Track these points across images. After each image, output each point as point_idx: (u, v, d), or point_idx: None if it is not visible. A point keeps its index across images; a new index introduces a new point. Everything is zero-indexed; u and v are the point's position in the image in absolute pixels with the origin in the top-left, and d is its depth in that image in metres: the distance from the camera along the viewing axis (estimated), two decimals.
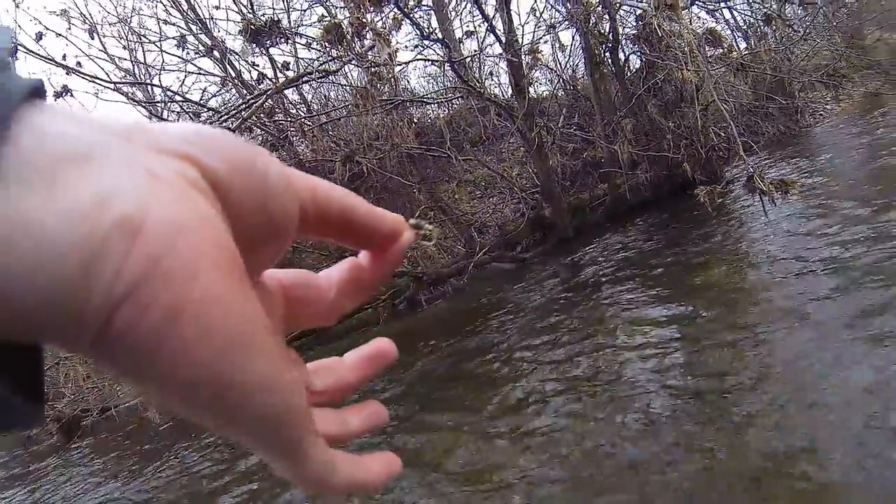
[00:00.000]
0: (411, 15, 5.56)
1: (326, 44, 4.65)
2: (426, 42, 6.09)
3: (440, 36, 6.51)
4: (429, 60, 6.66)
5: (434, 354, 5.98)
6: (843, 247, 4.81)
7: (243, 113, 5.82)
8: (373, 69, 5.46)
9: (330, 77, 6.07)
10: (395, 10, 5.52)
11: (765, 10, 7.05)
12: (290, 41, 5.58)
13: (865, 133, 10.63)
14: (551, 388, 4.30)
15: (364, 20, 3.94)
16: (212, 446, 5.74)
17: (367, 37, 4.17)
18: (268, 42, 5.22)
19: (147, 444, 6.81)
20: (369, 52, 4.47)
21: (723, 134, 8.10)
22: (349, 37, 4.31)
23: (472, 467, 3.66)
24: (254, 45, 5.32)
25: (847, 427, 2.74)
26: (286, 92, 8.31)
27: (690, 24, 7.37)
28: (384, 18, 5.69)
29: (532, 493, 3.17)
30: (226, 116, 6.55)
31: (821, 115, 12.29)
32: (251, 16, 6.53)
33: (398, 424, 4.62)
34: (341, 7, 6.40)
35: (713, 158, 8.17)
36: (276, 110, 7.42)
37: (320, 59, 5.55)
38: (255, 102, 5.80)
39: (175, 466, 5.66)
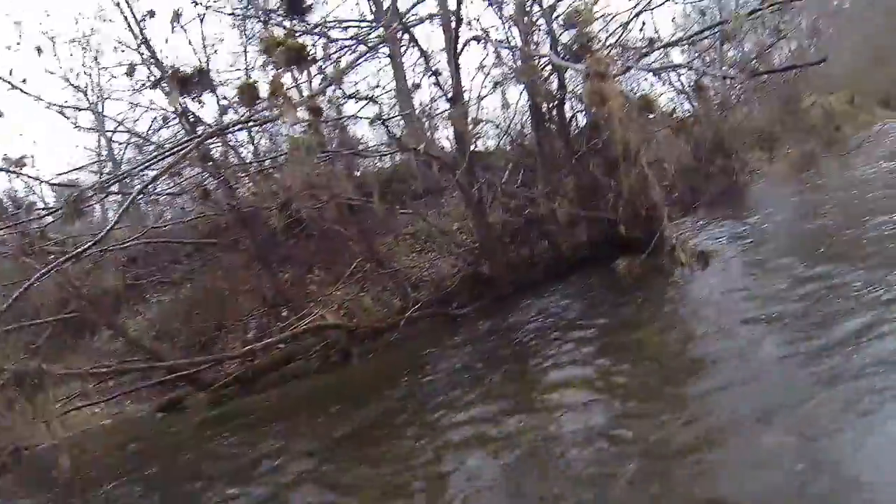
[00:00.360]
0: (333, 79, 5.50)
1: (241, 104, 4.55)
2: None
3: (374, 93, 6.49)
4: (358, 118, 6.64)
5: (363, 409, 5.79)
6: (774, 304, 4.95)
7: (169, 159, 5.61)
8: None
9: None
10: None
11: (697, 77, 7.29)
12: (215, 92, 5.46)
13: (797, 193, 11.14)
14: (477, 445, 4.21)
15: (279, 83, 3.85)
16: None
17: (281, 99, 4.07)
18: (194, 91, 5.08)
19: (54, 491, 6.28)
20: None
21: (662, 192, 8.29)
22: (268, 96, 4.20)
23: None
24: (181, 93, 5.17)
25: (770, 482, 2.76)
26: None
27: (626, 89, 7.59)
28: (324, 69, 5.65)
29: None
30: (164, 154, 6.33)
31: (758, 174, 12.80)
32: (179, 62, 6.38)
33: (323, 478, 4.47)
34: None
35: (652, 218, 8.30)
36: (210, 154, 7.20)
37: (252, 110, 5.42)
38: (183, 149, 5.61)
39: None
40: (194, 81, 4.90)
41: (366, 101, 5.74)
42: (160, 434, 7.64)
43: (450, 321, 7.78)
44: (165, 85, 9.29)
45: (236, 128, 5.40)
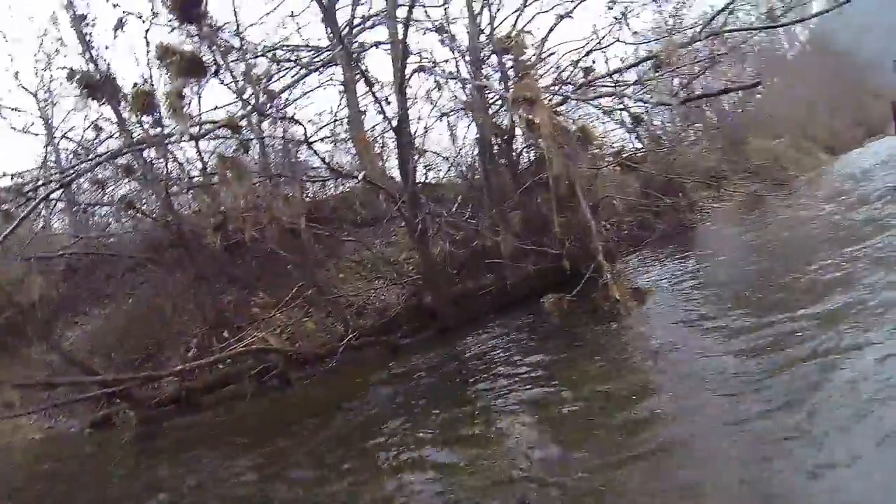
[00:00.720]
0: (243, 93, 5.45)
1: (136, 113, 4.48)
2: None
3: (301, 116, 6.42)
4: (280, 138, 6.60)
5: (295, 437, 5.68)
6: (718, 346, 4.96)
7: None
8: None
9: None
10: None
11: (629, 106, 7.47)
12: (121, 102, 5.37)
13: (743, 232, 11.44)
14: (407, 477, 4.17)
15: (175, 93, 3.78)
16: None
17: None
18: (100, 96, 4.96)
19: None
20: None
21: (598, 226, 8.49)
22: (168, 106, 4.12)
23: None
24: (88, 98, 5.05)
25: None
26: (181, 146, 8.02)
27: (564, 119, 7.75)
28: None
29: None
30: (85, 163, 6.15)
31: (706, 212, 13.21)
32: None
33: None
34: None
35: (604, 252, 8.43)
36: (134, 167, 7.01)
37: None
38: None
39: None
40: (100, 86, 4.78)
41: (295, 123, 5.69)
42: (89, 451, 7.42)
43: (392, 350, 7.73)
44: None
45: (166, 141, 5.30)
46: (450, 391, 5.98)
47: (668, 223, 11.53)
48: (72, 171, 5.42)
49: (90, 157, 5.76)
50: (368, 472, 4.43)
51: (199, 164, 9.52)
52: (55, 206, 11.57)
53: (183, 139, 4.14)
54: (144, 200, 8.31)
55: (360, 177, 6.56)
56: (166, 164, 7.62)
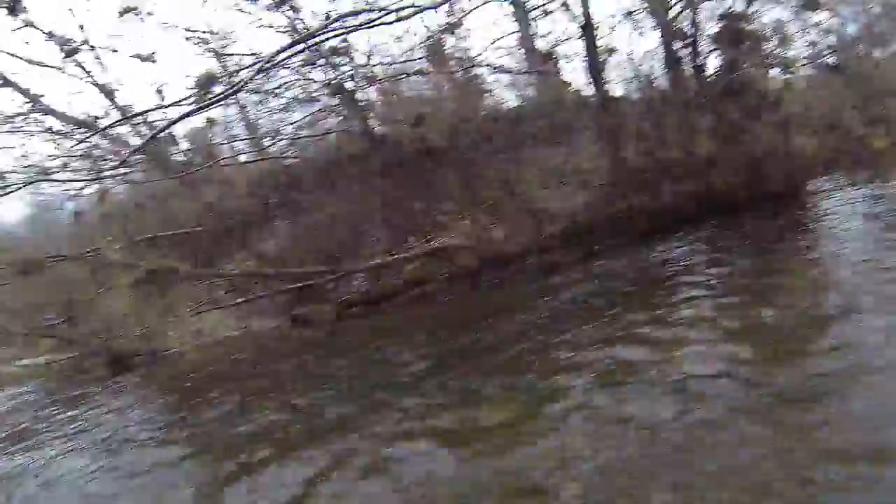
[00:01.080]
0: None
1: None
2: None
3: None
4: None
5: (478, 333, 6.00)
6: None
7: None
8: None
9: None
10: None
11: None
12: None
13: None
14: (590, 377, 4.20)
15: None
16: (249, 400, 5.70)
17: None
18: None
19: (186, 387, 6.85)
20: None
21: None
22: None
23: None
24: None
25: None
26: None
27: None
28: None
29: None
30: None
31: None
32: None
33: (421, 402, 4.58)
34: None
35: (795, 170, 7.92)
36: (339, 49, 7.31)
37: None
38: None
39: (206, 416, 5.62)
40: None
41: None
42: (275, 346, 8.08)
43: (580, 256, 7.82)
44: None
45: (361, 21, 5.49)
46: (636, 295, 6.01)
47: (864, 145, 10.36)
48: (271, 57, 5.84)
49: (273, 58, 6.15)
50: (550, 361, 4.64)
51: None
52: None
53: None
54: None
55: (554, 72, 6.54)
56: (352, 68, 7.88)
